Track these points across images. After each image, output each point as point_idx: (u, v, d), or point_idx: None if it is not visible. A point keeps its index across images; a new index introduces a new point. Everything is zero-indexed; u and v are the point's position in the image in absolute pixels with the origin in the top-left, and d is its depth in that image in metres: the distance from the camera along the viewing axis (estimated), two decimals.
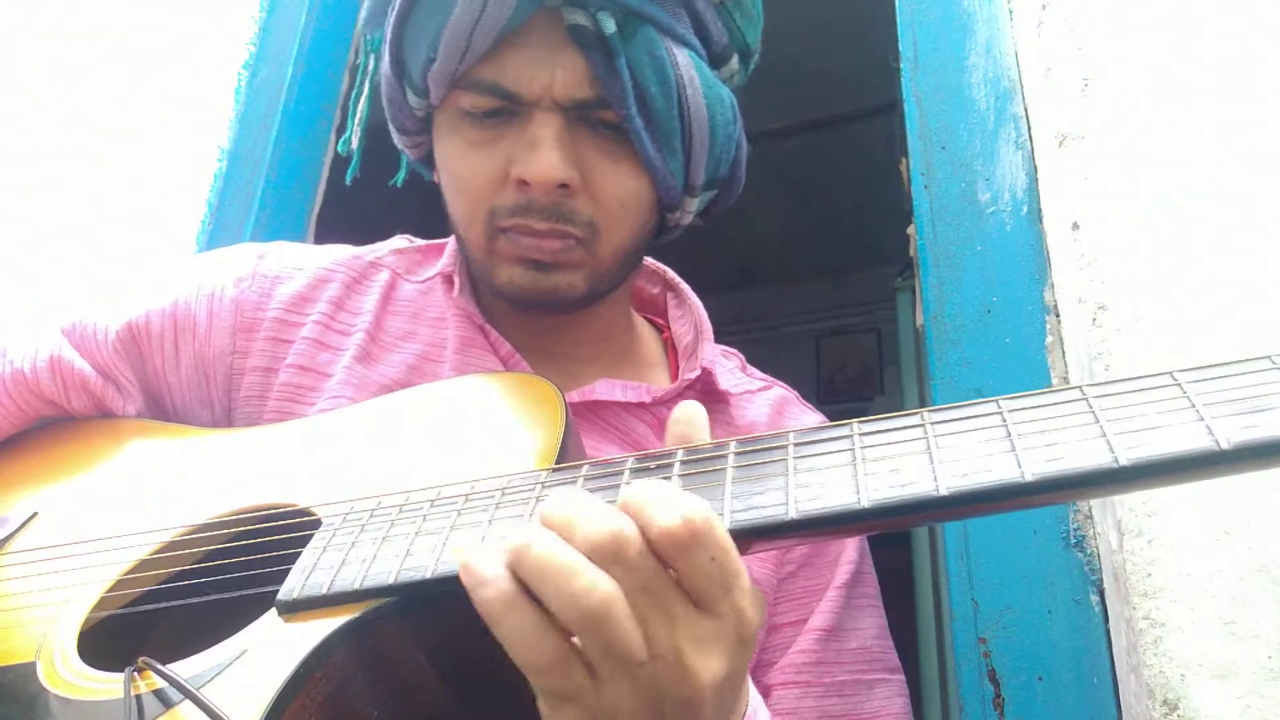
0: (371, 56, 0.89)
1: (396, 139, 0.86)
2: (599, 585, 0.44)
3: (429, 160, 0.86)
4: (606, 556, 0.45)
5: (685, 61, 0.77)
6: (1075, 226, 0.96)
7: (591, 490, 0.52)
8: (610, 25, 0.73)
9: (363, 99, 0.89)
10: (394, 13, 0.78)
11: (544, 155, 0.73)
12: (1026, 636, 0.89)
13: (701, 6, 0.78)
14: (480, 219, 0.77)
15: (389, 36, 0.79)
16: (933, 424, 0.48)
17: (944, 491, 0.44)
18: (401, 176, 0.94)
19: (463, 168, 0.77)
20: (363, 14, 0.85)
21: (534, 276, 0.77)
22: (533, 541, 0.45)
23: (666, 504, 0.45)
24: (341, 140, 0.93)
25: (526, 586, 0.45)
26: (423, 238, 0.95)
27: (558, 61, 0.74)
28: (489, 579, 0.46)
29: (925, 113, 1.17)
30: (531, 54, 0.74)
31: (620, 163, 0.77)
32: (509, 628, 0.45)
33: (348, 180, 0.96)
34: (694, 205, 0.84)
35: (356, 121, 0.91)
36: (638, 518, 0.46)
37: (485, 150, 0.76)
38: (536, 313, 0.84)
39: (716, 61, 0.82)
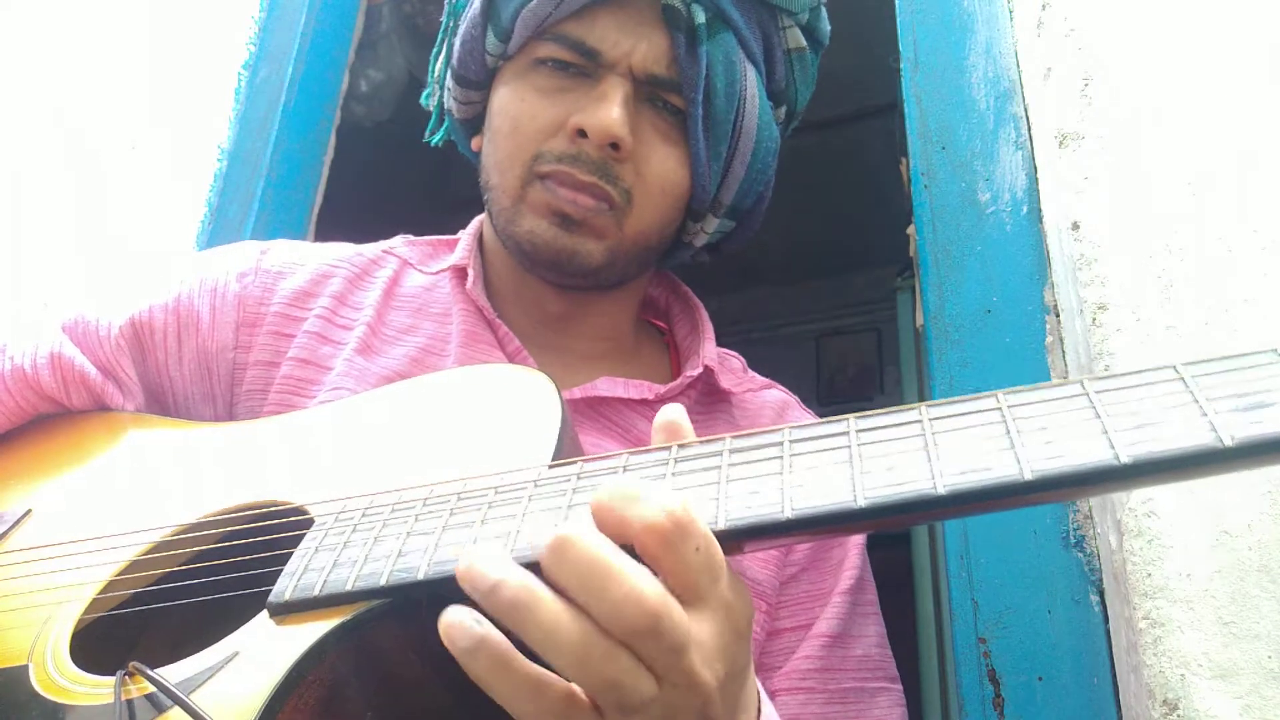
0: (452, 19, 0.90)
1: (451, 95, 0.88)
2: (616, 662, 0.42)
3: (474, 124, 0.87)
4: (639, 631, 0.43)
5: (752, 79, 0.82)
6: (1075, 226, 0.96)
7: (583, 489, 0.51)
8: (701, 17, 0.77)
9: (440, 58, 0.92)
10: None
11: (609, 109, 0.76)
12: (1026, 636, 0.89)
13: (775, 42, 0.83)
14: (522, 161, 0.79)
15: None
16: (931, 420, 0.47)
17: (942, 490, 0.43)
18: (439, 138, 0.96)
19: (521, 109, 0.80)
20: None
21: (556, 233, 0.79)
22: (539, 599, 0.43)
23: (644, 499, 0.44)
24: (424, 94, 0.96)
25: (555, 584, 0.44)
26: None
27: (644, 34, 0.78)
28: (499, 580, 0.43)
29: (925, 113, 1.17)
30: (622, 21, 0.78)
31: (671, 147, 0.80)
32: (532, 630, 0.43)
33: (436, 142, 0.97)
34: (713, 226, 0.86)
35: (435, 79, 0.93)
36: (617, 517, 0.45)
37: (549, 98, 0.79)
38: (548, 278, 0.84)
39: (773, 99, 0.86)
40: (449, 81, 0.87)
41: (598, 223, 0.79)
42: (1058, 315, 1.00)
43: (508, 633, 0.43)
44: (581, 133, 0.77)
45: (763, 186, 0.87)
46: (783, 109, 0.88)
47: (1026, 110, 1.11)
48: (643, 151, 0.79)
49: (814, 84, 0.89)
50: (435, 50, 0.93)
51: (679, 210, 0.83)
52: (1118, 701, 0.84)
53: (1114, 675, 0.85)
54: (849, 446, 0.48)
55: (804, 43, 0.85)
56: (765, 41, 0.83)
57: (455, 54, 0.85)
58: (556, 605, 0.43)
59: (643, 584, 0.43)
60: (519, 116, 0.80)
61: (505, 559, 0.44)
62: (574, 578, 0.43)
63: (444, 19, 0.91)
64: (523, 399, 0.62)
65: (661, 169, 0.80)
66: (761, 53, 0.82)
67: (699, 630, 0.45)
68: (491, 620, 0.43)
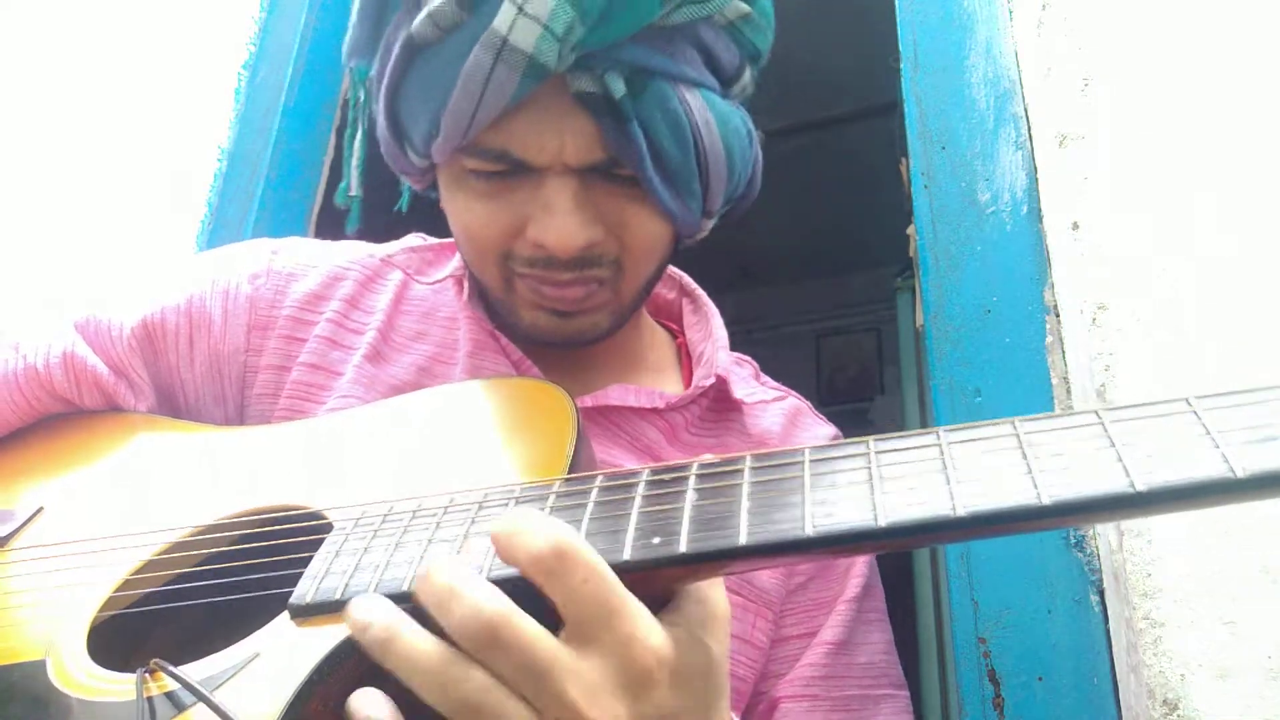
0: (361, 89, 0.85)
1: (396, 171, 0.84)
2: (469, 681, 0.44)
3: (434, 188, 0.83)
4: (481, 644, 0.44)
5: (699, 105, 0.74)
6: (1075, 226, 0.96)
7: (603, 501, 0.52)
8: (619, 87, 0.70)
9: (358, 138, 0.86)
10: (385, 78, 0.75)
11: (562, 221, 0.71)
12: (1026, 636, 0.89)
13: (710, 38, 0.74)
14: (494, 262, 0.76)
15: (383, 98, 0.76)
16: (949, 444, 0.48)
17: (961, 513, 0.44)
18: (405, 201, 0.91)
19: (471, 219, 0.75)
20: (346, 46, 0.80)
21: (558, 323, 0.77)
22: (398, 632, 0.45)
23: (531, 530, 0.45)
24: (339, 190, 0.89)
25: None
26: (434, 236, 0.95)
27: (567, 127, 0.71)
28: (369, 621, 0.46)
29: (925, 113, 1.17)
30: (539, 121, 0.71)
31: (641, 206, 0.75)
32: (397, 661, 0.45)
33: (349, 229, 0.91)
34: (710, 226, 0.84)
35: (354, 164, 0.87)
36: (508, 548, 0.46)
37: (496, 202, 0.74)
38: (559, 350, 0.83)
39: (730, 83, 0.79)
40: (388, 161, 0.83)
41: (594, 302, 0.77)
42: (1058, 315, 1.00)
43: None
44: (544, 246, 0.72)
45: (750, 173, 0.83)
46: (746, 72, 0.80)
47: (1026, 110, 1.11)
48: (616, 223, 0.74)
49: (772, 20, 0.80)
50: (349, 133, 0.87)
51: (670, 247, 0.80)
52: (1118, 701, 0.84)
53: (1114, 675, 0.85)
54: (869, 468, 0.48)
55: (746, 8, 0.76)
56: (701, 48, 0.74)
57: (384, 152, 0.81)
58: (418, 635, 0.45)
59: (483, 598, 0.44)
60: (471, 226, 0.76)
61: (376, 599, 0.47)
62: (431, 599, 0.45)
63: (349, 94, 0.86)
64: (539, 412, 0.63)
65: (641, 231, 0.75)
66: (703, 61, 0.75)
67: (583, 664, 0.45)
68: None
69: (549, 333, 0.78)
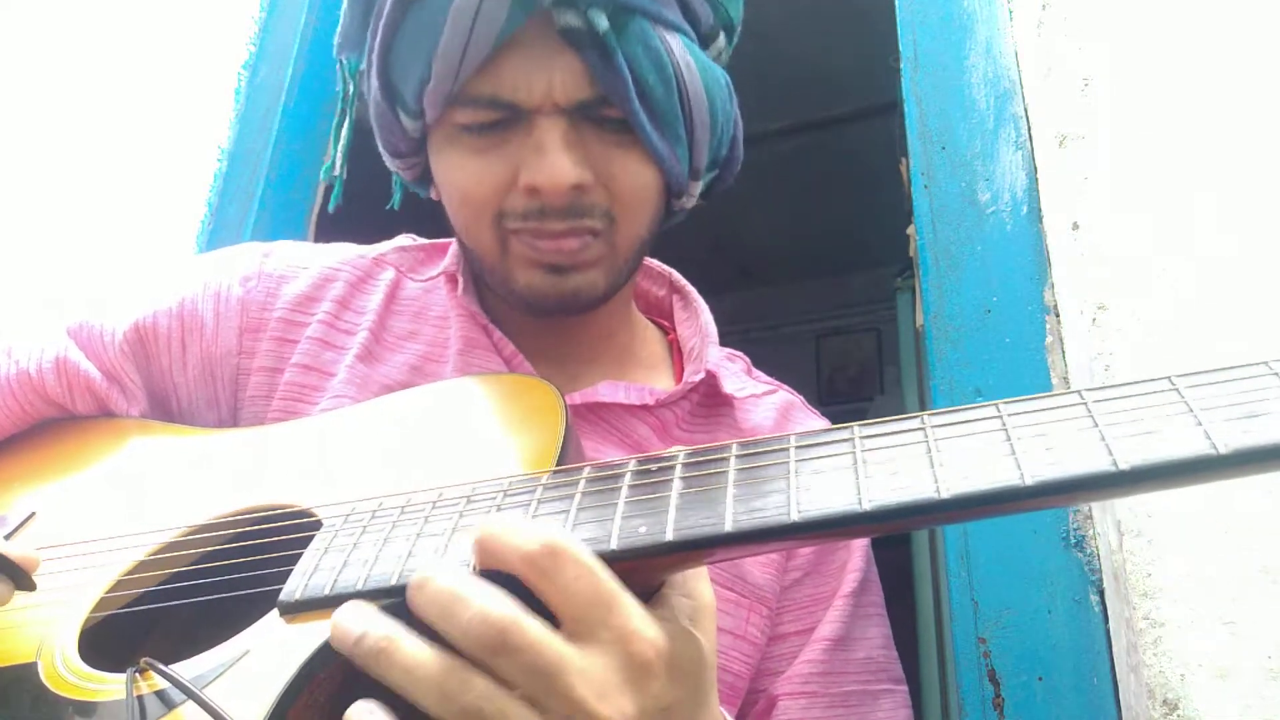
0: (350, 82, 0.87)
1: (389, 162, 0.85)
2: (471, 688, 0.44)
3: (424, 179, 0.85)
4: (489, 648, 0.44)
5: (679, 47, 0.76)
6: (1075, 226, 0.96)
7: (590, 492, 0.52)
8: (603, 22, 0.72)
9: (344, 125, 0.88)
10: (378, 37, 0.76)
11: (553, 160, 0.72)
12: (1026, 636, 0.89)
13: None
14: (487, 224, 0.77)
15: (375, 61, 0.78)
16: (933, 427, 0.48)
17: (944, 495, 0.44)
18: (397, 199, 0.92)
19: (464, 176, 0.76)
20: (338, 39, 0.83)
21: (554, 280, 0.77)
22: (396, 643, 0.45)
23: (521, 530, 0.46)
24: (324, 168, 0.92)
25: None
26: (425, 238, 0.95)
27: (555, 65, 0.72)
28: (363, 632, 0.46)
29: (925, 113, 1.17)
30: (527, 61, 0.72)
31: (629, 152, 0.76)
32: (396, 673, 0.45)
33: (330, 208, 0.95)
34: (698, 188, 0.84)
35: (339, 149, 0.89)
36: (499, 549, 0.46)
37: (488, 156, 0.75)
38: (554, 316, 0.83)
39: (704, 42, 0.81)
40: (382, 150, 0.84)
41: (589, 255, 0.77)
42: (1058, 315, 1.00)
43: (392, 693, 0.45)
44: (536, 189, 0.73)
45: (733, 131, 0.84)
46: (720, 36, 0.82)
47: (1026, 110, 1.12)
48: (606, 171, 0.75)
49: None
50: (336, 121, 0.89)
51: (661, 201, 0.81)
52: (1118, 701, 0.84)
53: (1114, 675, 0.85)
54: (853, 452, 0.48)
55: None
56: None
57: (377, 132, 0.82)
58: (416, 644, 0.45)
59: (490, 603, 0.44)
60: (465, 186, 0.76)
61: (370, 610, 0.47)
62: (432, 607, 0.45)
63: (339, 86, 0.88)
64: (528, 408, 0.63)
65: (631, 179, 0.76)
66: (678, 10, 0.77)
67: (588, 661, 0.45)
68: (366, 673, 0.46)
69: (545, 293, 0.78)
